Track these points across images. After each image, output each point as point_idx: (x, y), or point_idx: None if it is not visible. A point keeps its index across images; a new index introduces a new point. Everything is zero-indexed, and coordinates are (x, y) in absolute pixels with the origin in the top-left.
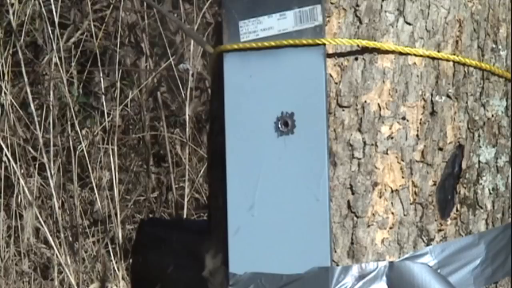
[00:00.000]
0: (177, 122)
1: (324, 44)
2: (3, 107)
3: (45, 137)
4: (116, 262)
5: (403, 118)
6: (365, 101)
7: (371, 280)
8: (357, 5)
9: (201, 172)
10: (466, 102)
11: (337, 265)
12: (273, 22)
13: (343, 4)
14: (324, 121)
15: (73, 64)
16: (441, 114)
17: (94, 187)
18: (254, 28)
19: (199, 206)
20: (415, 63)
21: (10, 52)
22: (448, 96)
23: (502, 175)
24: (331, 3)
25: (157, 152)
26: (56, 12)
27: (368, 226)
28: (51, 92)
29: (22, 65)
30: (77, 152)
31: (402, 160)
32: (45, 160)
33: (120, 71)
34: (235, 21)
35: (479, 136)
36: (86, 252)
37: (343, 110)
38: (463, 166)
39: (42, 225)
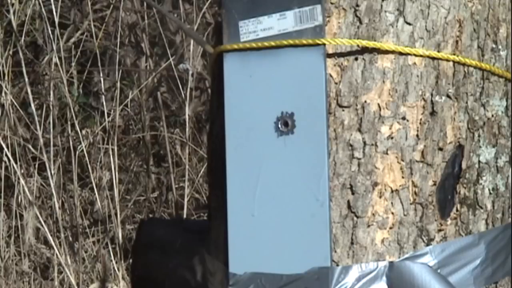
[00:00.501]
0: (177, 122)
1: (324, 44)
2: (3, 107)
3: (45, 137)
4: (116, 262)
5: (403, 118)
6: (365, 101)
7: (371, 280)
8: (357, 5)
9: (201, 172)
10: (466, 102)
11: (337, 265)
12: (273, 22)
13: (343, 4)
14: (324, 121)
15: (73, 64)
16: (441, 114)
17: (94, 187)
18: (254, 28)
19: (199, 206)
20: (415, 63)
21: (11, 52)
22: (448, 96)
23: (502, 175)
24: (331, 3)
25: (157, 152)
26: (56, 12)
27: (368, 226)
28: (51, 92)
29: (23, 65)
30: (77, 152)
31: (402, 160)
32: (45, 160)
33: (120, 71)
34: (235, 21)
35: (479, 136)
36: (86, 252)
37: (343, 110)
38: (463, 166)
39: (42, 225)
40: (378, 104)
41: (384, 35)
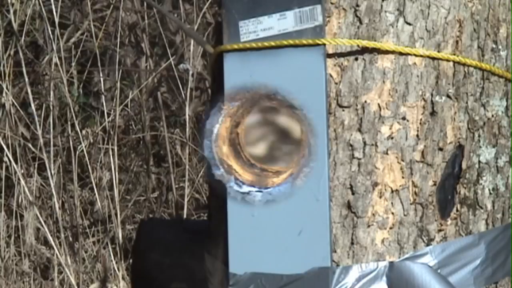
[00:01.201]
0: (177, 122)
1: (324, 44)
2: (4, 107)
3: (45, 137)
4: (116, 262)
5: (403, 118)
6: (365, 101)
7: (371, 280)
8: (357, 5)
9: (201, 172)
10: (466, 102)
11: (337, 265)
12: (273, 22)
13: (343, 4)
14: (324, 121)
15: (73, 64)
16: (441, 114)
17: (94, 187)
18: (254, 28)
19: (199, 206)
20: (415, 63)
21: (11, 52)
22: (448, 96)
23: (502, 175)
24: (331, 3)
25: (157, 152)
26: (56, 12)
27: (368, 226)
28: (51, 92)
29: (23, 65)
30: (77, 152)
31: (402, 160)
32: (45, 160)
33: (120, 71)
34: (235, 21)
35: (479, 136)
36: (86, 252)
37: (343, 110)
38: (463, 166)
39: (42, 225)
40: (378, 104)
41: (384, 35)
